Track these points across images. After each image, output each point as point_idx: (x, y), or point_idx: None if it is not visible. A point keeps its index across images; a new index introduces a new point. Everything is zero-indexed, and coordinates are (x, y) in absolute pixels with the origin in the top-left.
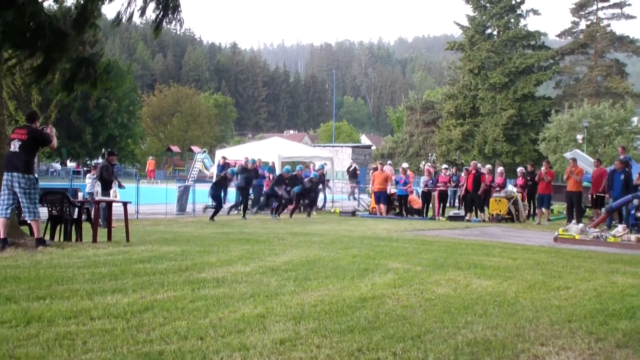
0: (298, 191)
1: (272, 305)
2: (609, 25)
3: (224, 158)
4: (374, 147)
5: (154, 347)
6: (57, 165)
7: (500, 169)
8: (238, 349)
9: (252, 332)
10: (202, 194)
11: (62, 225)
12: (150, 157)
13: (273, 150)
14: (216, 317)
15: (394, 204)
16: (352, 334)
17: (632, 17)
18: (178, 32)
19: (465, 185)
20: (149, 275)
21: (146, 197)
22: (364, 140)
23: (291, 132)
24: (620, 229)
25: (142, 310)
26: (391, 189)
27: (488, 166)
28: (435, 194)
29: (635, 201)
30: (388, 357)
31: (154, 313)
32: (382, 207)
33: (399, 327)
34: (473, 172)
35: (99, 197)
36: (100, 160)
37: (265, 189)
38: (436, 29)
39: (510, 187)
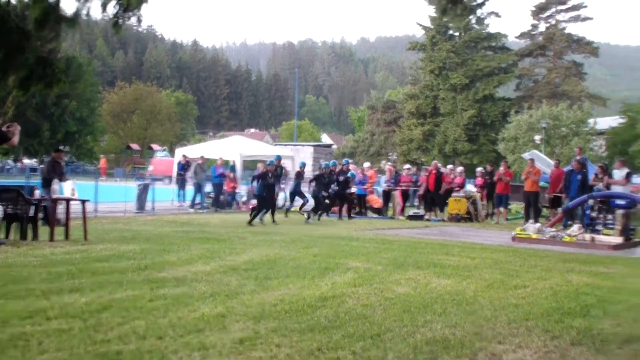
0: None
1: (232, 305)
2: (564, 28)
3: (184, 156)
4: (335, 146)
5: (112, 347)
6: (11, 162)
7: (459, 168)
8: (197, 349)
9: (211, 332)
10: (161, 192)
11: (18, 224)
12: (102, 155)
13: (234, 148)
14: (175, 316)
15: (354, 203)
16: (312, 333)
17: (589, 18)
18: (139, 29)
19: (425, 185)
20: (107, 274)
21: (105, 195)
22: (326, 139)
23: (252, 130)
24: (575, 228)
25: (100, 310)
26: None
27: (450, 166)
28: (397, 193)
29: (591, 201)
30: (348, 356)
31: (112, 312)
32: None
33: (358, 326)
34: (434, 171)
35: (56, 195)
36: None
37: (225, 188)
38: (398, 29)
39: (469, 187)
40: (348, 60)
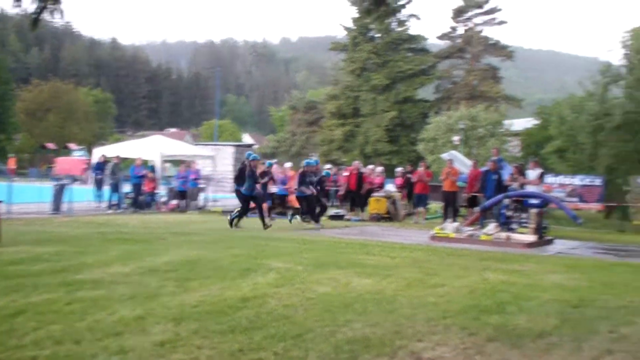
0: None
1: (151, 307)
2: (481, 31)
3: (103, 156)
4: (256, 146)
5: (27, 353)
6: None
7: (379, 168)
8: (116, 353)
9: (130, 335)
10: (78, 192)
11: None
12: (11, 155)
13: (154, 148)
14: (93, 319)
15: (276, 203)
16: (234, 334)
17: (503, 22)
18: (55, 26)
19: (347, 185)
20: (21, 277)
21: (19, 196)
22: (247, 139)
23: (173, 130)
24: (492, 227)
25: (14, 315)
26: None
27: (370, 166)
28: None
29: (506, 201)
30: (269, 357)
31: (26, 317)
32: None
33: (280, 326)
34: (355, 172)
35: None
36: None
37: (145, 188)
38: (321, 30)
39: (389, 187)
40: (270, 59)
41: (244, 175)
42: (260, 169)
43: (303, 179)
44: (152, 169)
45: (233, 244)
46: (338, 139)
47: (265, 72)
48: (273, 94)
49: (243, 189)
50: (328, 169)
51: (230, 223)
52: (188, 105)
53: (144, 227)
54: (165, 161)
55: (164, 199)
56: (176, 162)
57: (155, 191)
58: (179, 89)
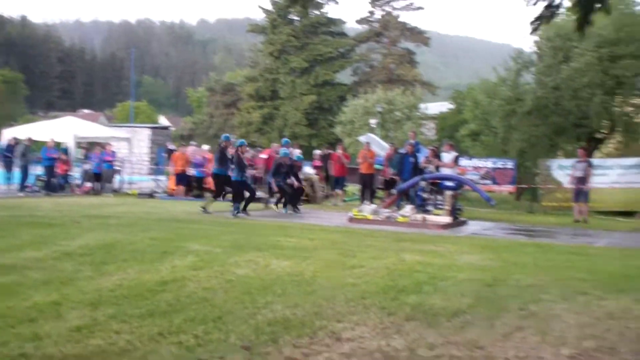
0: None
1: (67, 292)
2: (398, 16)
3: (14, 138)
4: (173, 128)
5: None
6: None
7: (296, 151)
8: (30, 339)
9: (45, 321)
10: None
11: None
12: None
13: (67, 130)
14: (5, 306)
15: (193, 185)
16: (153, 318)
17: (420, 8)
18: None
19: (266, 167)
20: None
21: None
22: (164, 121)
23: (86, 111)
24: (408, 209)
25: None
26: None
27: (291, 149)
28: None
29: (422, 183)
30: (190, 340)
31: None
32: (181, 188)
33: (200, 309)
34: (275, 154)
35: None
36: None
37: (57, 170)
38: (239, 11)
39: (307, 169)
40: (187, 41)
41: (225, 159)
42: (230, 151)
43: (278, 170)
44: (66, 151)
45: (150, 226)
46: (256, 121)
47: (183, 54)
48: (190, 76)
49: (234, 175)
50: (300, 154)
51: (244, 209)
52: (102, 87)
53: (58, 210)
54: (80, 144)
55: (77, 182)
56: (91, 145)
57: (69, 173)
58: (93, 70)
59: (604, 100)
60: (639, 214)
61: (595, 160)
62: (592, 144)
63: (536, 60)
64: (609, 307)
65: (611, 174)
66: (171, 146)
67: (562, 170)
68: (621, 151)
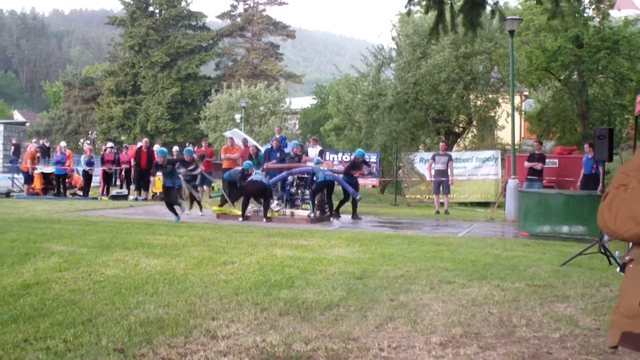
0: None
1: None
2: (264, 10)
3: None
4: (28, 124)
5: None
6: None
7: (156, 146)
8: None
9: None
10: None
11: None
12: None
13: None
14: None
15: (53, 184)
16: (17, 323)
17: (284, 3)
18: None
19: (137, 163)
20: None
21: None
22: (17, 116)
23: None
24: (275, 204)
25: None
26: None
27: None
28: (99, 173)
29: (290, 178)
30: (59, 345)
31: None
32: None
33: (68, 312)
34: (145, 150)
35: None
36: None
37: None
38: (95, 3)
39: None
40: (40, 32)
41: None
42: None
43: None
44: None
45: (8, 227)
46: (117, 116)
47: (36, 46)
48: (45, 69)
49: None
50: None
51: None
52: None
53: None
54: None
55: None
56: None
57: None
58: None
59: (462, 95)
60: (494, 204)
61: (453, 154)
62: (451, 138)
63: (395, 56)
64: (472, 294)
65: (468, 166)
66: (14, 141)
67: (425, 163)
68: (477, 144)
